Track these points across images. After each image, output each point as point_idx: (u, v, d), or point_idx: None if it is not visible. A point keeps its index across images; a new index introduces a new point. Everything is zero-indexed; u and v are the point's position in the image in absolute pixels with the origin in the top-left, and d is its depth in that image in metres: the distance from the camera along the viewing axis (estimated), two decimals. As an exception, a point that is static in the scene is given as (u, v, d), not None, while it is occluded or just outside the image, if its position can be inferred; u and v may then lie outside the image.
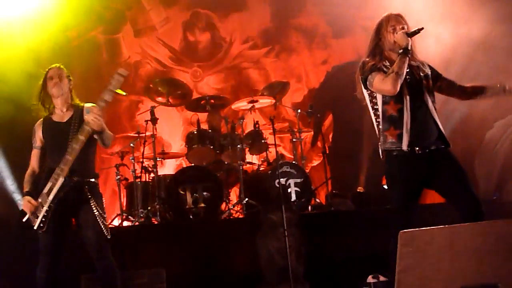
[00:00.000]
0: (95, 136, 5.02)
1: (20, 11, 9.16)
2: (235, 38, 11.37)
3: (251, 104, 9.00)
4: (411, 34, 4.62)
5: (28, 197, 4.97)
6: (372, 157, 10.23)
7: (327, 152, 8.89)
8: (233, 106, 9.30)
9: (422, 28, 4.63)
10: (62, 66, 5.34)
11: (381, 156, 4.76)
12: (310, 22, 11.43)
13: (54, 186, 4.87)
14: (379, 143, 4.75)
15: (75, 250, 5.36)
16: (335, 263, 7.04)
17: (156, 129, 8.59)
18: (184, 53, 11.44)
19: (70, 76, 5.33)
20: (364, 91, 4.81)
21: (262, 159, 9.17)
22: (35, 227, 4.86)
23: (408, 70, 4.63)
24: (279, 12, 11.33)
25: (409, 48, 4.56)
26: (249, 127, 9.23)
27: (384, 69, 4.65)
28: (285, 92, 9.58)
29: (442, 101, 5.18)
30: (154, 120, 8.44)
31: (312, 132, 10.33)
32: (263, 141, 8.84)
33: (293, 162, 8.69)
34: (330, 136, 11.05)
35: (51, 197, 4.86)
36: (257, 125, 8.94)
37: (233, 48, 11.32)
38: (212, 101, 8.96)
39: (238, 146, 8.54)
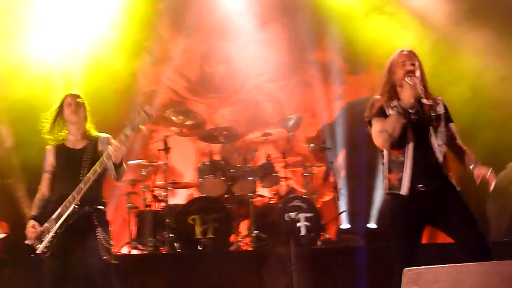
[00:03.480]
0: (110, 169, 5.05)
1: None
2: (251, 70, 11.39)
3: (265, 137, 9.03)
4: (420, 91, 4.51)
5: (33, 222, 4.97)
6: (384, 193, 10.19)
7: (339, 187, 8.85)
8: (246, 138, 9.33)
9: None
10: (79, 93, 5.38)
11: (385, 196, 4.78)
12: (326, 57, 11.47)
13: (64, 213, 4.90)
14: (383, 185, 4.76)
15: (80, 277, 5.34)
16: (343, 299, 6.99)
17: (168, 158, 8.62)
18: (200, 84, 11.49)
19: (85, 104, 5.38)
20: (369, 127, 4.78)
21: (273, 192, 9.16)
22: (37, 251, 4.87)
23: (417, 110, 4.57)
24: (295, 46, 11.38)
25: (410, 110, 4.49)
26: (261, 160, 9.24)
27: (390, 111, 4.59)
28: (298, 126, 9.60)
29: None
30: (167, 149, 8.49)
31: (325, 167, 10.32)
32: (274, 174, 8.85)
33: (304, 196, 8.68)
34: (343, 172, 11.01)
35: (58, 223, 4.88)
36: (269, 158, 8.96)
37: (249, 81, 11.35)
38: (226, 132, 9.01)
39: (250, 178, 8.56)
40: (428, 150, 4.57)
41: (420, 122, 4.58)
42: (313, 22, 11.22)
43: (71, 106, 5.24)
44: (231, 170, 8.74)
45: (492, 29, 9.48)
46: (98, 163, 4.96)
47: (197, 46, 11.49)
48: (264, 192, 9.20)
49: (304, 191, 9.21)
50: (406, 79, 4.55)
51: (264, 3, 11.15)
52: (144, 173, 8.70)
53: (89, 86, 9.08)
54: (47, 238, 4.87)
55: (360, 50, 11.00)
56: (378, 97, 4.74)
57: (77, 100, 5.29)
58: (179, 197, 10.09)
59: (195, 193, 9.46)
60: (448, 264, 3.57)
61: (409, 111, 4.48)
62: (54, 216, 4.93)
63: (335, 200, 8.79)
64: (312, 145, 9.26)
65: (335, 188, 8.79)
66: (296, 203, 8.29)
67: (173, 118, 9.18)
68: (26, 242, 4.96)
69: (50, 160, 5.24)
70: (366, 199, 10.31)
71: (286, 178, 9.22)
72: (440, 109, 4.71)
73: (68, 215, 4.89)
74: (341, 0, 10.90)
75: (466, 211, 4.52)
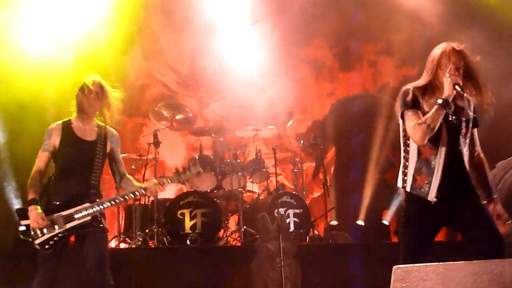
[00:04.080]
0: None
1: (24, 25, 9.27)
2: (242, 66, 11.35)
3: (255, 133, 9.03)
4: (459, 88, 4.18)
5: (37, 208, 4.79)
6: (373, 191, 10.21)
7: (328, 184, 8.87)
8: (237, 134, 9.32)
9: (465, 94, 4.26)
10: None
11: (403, 195, 4.47)
12: (317, 54, 11.47)
13: (77, 217, 4.84)
14: (404, 183, 4.41)
15: (73, 267, 5.29)
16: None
17: (158, 152, 8.60)
18: (191, 79, 11.47)
19: None
20: (400, 119, 4.43)
21: (263, 188, 9.16)
22: (36, 242, 4.80)
23: (454, 109, 4.31)
24: (287, 42, 11.36)
25: (450, 100, 4.17)
26: (251, 155, 9.24)
27: (425, 107, 4.26)
28: (289, 122, 9.60)
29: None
30: (156, 143, 8.47)
31: (314, 164, 10.32)
32: (264, 170, 8.84)
33: (293, 192, 8.69)
34: (332, 168, 11.02)
35: (69, 225, 4.82)
36: (259, 154, 8.96)
37: (240, 77, 11.32)
38: (216, 127, 9.00)
39: (239, 173, 8.55)
40: (458, 155, 4.32)
41: (455, 125, 4.33)
42: (304, 19, 11.21)
43: (92, 94, 5.07)
44: (221, 165, 8.73)
45: (483, 31, 9.50)
46: (133, 192, 5.11)
47: (189, 41, 11.46)
48: (254, 188, 9.20)
49: (293, 187, 9.22)
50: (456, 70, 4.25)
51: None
52: (134, 167, 8.66)
53: (80, 81, 9.03)
54: (52, 234, 4.80)
55: (351, 47, 11.02)
56: (410, 87, 4.39)
57: (102, 90, 5.15)
58: (169, 192, 10.07)
59: (185, 188, 9.44)
60: (437, 262, 3.56)
61: (448, 101, 4.16)
62: (64, 213, 4.83)
63: (324, 196, 8.79)
64: (302, 142, 9.28)
65: (325, 185, 8.79)
66: (286, 199, 8.29)
67: (163, 112, 9.17)
68: (23, 223, 4.79)
69: (54, 140, 5.03)
70: (355, 196, 10.32)
71: (275, 174, 9.22)
72: (471, 113, 4.45)
73: (82, 222, 4.85)
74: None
75: (484, 213, 4.28)
